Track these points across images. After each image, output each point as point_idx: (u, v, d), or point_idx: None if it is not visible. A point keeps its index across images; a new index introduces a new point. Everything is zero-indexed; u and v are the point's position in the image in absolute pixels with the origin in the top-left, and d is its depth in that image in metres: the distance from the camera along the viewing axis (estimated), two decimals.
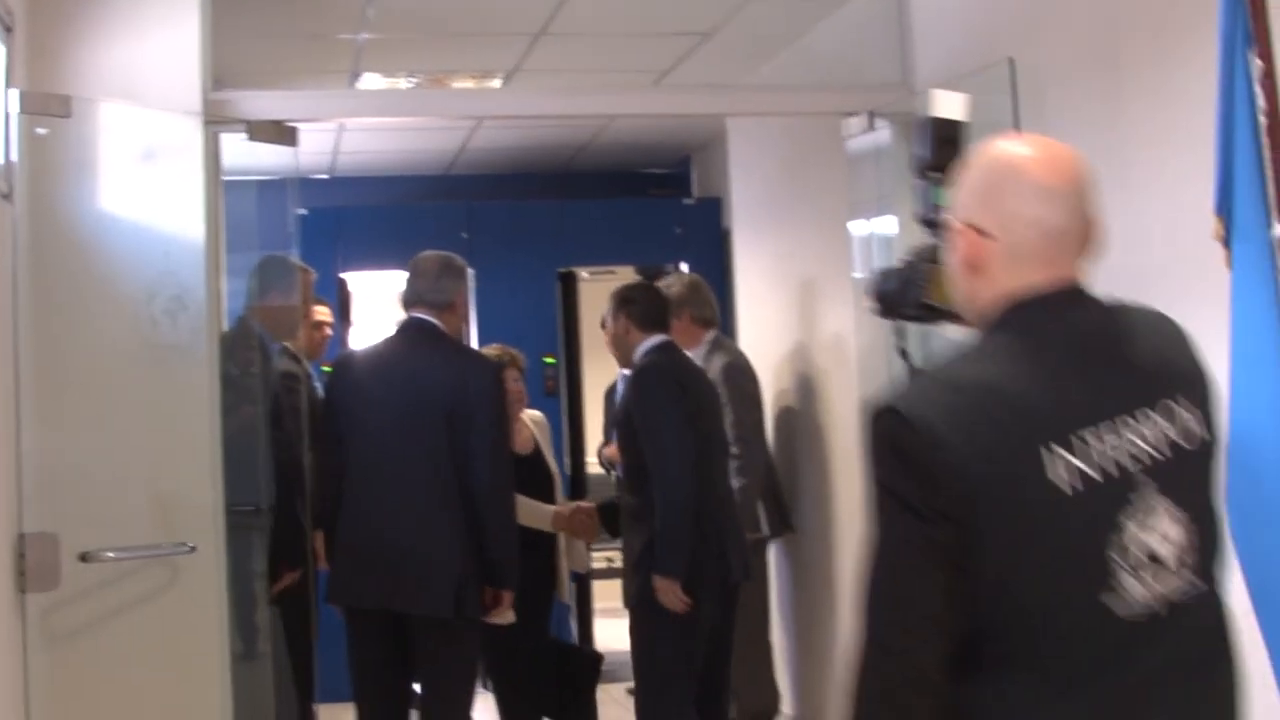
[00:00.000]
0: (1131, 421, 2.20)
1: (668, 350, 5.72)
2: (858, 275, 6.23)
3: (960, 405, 2.18)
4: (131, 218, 4.87)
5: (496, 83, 7.78)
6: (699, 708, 5.62)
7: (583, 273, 10.28)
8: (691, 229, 9.91)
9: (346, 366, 5.52)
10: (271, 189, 6.14)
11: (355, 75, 7.54)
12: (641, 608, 5.59)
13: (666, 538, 5.42)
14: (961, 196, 2.37)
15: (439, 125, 9.11)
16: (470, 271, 9.08)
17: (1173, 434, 2.23)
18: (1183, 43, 4.12)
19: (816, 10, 6.77)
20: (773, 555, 7.21)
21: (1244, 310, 3.40)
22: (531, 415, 6.41)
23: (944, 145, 3.68)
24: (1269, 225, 3.41)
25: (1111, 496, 2.16)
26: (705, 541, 5.48)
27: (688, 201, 10.20)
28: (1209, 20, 3.63)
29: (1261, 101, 3.46)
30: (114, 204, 4.87)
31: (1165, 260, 4.19)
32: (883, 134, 5.89)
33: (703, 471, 5.51)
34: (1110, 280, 4.45)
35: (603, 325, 5.96)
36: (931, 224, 3.57)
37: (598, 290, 10.23)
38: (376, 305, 9.82)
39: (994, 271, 2.30)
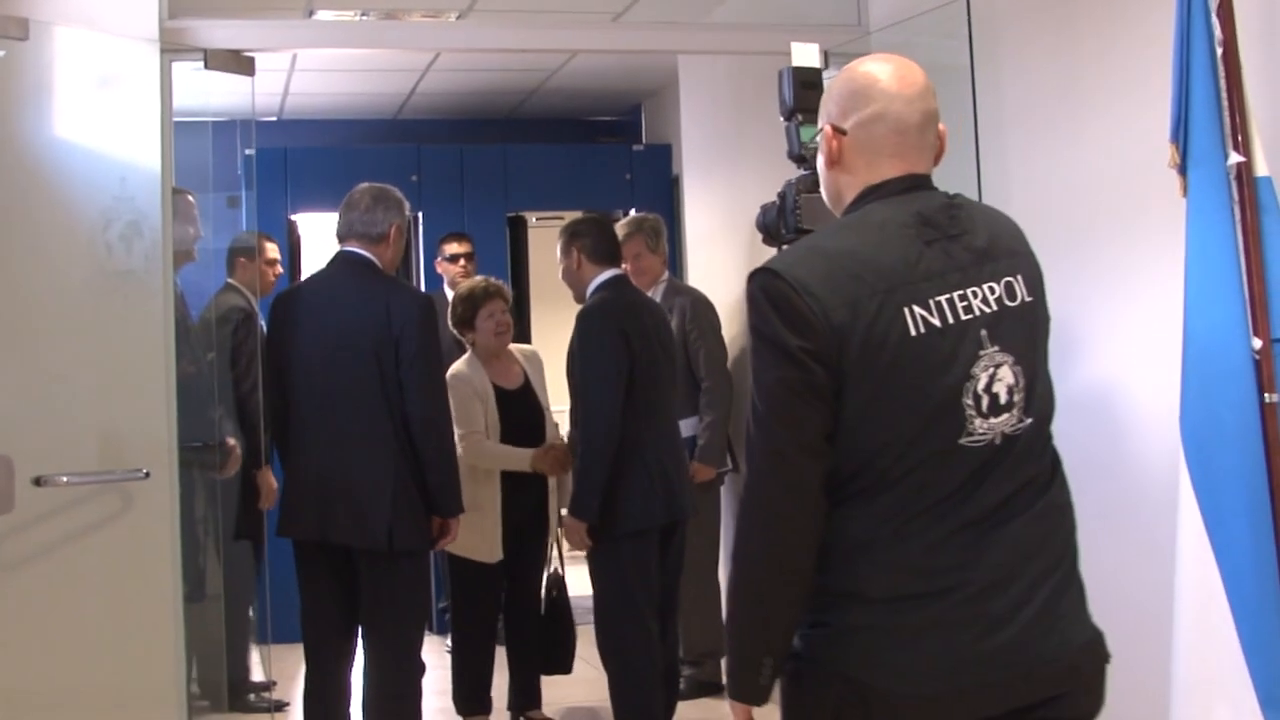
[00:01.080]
0: (971, 285, 2.59)
1: (618, 286, 5.71)
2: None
3: (826, 266, 2.55)
4: (87, 144, 4.84)
5: (452, 19, 7.75)
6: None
7: (531, 218, 10.27)
8: (641, 175, 9.92)
9: (285, 301, 5.46)
10: (222, 130, 6.13)
11: (309, 13, 7.50)
12: (589, 555, 5.70)
13: (580, 481, 5.52)
14: (827, 105, 2.74)
15: (390, 68, 9.09)
16: (419, 214, 9.16)
17: (1003, 295, 2.62)
18: None
19: None
20: (724, 493, 7.24)
21: (1199, 234, 3.47)
22: (522, 349, 6.45)
23: (804, 89, 4.18)
24: (1224, 152, 3.47)
25: (958, 346, 2.54)
26: (648, 479, 5.55)
27: (637, 148, 10.20)
28: None
29: (1218, 32, 3.52)
30: (70, 129, 4.84)
31: (1122, 188, 4.25)
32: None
33: (643, 409, 5.55)
34: (1070, 208, 4.54)
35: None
36: (800, 159, 4.00)
37: (546, 235, 10.22)
38: (326, 247, 9.79)
39: (854, 165, 2.70)
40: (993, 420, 2.55)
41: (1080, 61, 4.47)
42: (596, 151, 10.36)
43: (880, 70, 2.71)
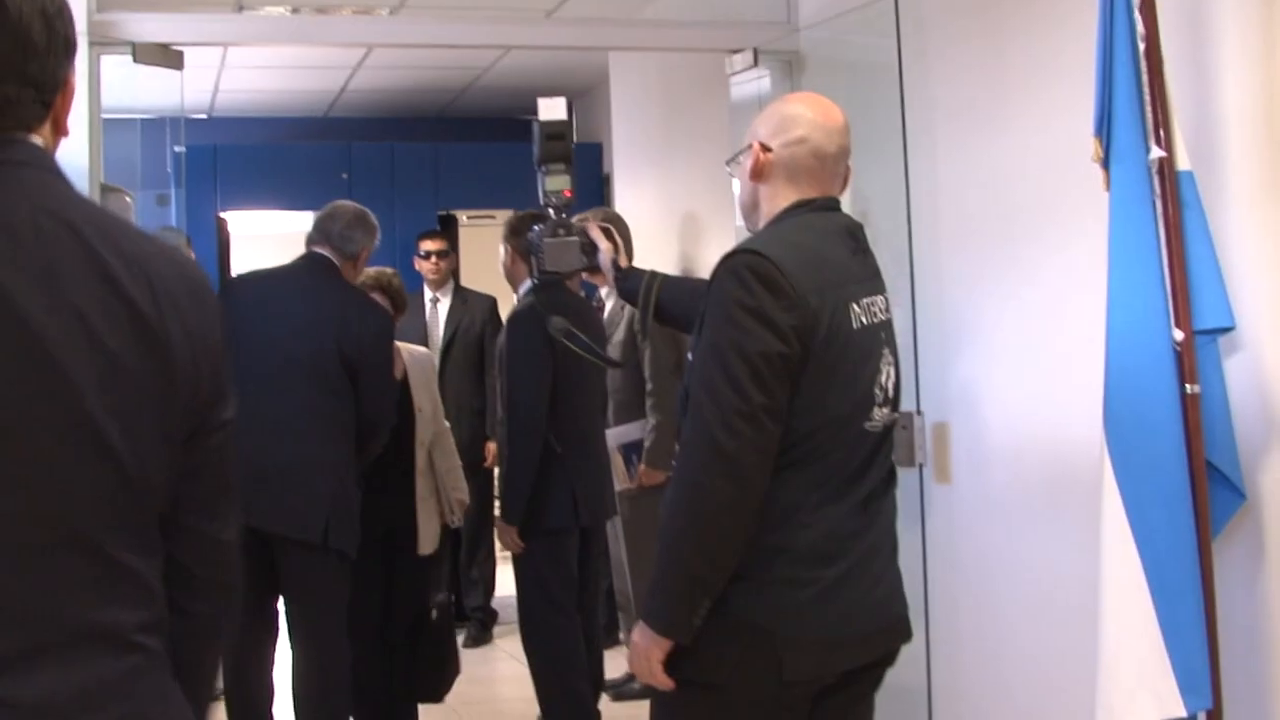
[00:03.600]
0: (875, 295, 3.08)
1: (548, 289, 5.72)
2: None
3: (797, 255, 2.92)
4: None
5: (384, 14, 7.75)
6: None
7: (462, 216, 10.27)
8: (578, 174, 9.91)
9: (242, 285, 5.51)
10: (150, 127, 6.09)
11: (239, 9, 7.47)
12: (514, 556, 5.76)
13: (508, 485, 5.62)
14: (760, 126, 3.16)
15: (321, 64, 9.06)
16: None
17: (884, 307, 3.11)
18: None
19: None
20: None
21: (1122, 228, 3.50)
22: (411, 349, 6.11)
23: (551, 141, 4.31)
24: (1146, 147, 3.51)
25: (873, 343, 3.00)
26: (568, 481, 5.61)
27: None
28: None
29: (1140, 27, 3.55)
30: None
31: (1047, 182, 4.30)
32: (764, 80, 5.95)
33: (565, 412, 5.60)
34: (996, 203, 4.58)
35: None
36: (550, 206, 4.21)
37: (477, 234, 10.23)
38: (255, 244, 9.74)
39: (774, 181, 3.10)
40: (884, 410, 3.03)
41: (1006, 58, 4.51)
42: (526, 150, 10.15)
43: (808, 105, 3.17)
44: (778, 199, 3.11)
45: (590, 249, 4.14)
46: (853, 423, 2.94)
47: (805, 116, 3.12)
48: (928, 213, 4.90)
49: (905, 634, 3.15)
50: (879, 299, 3.09)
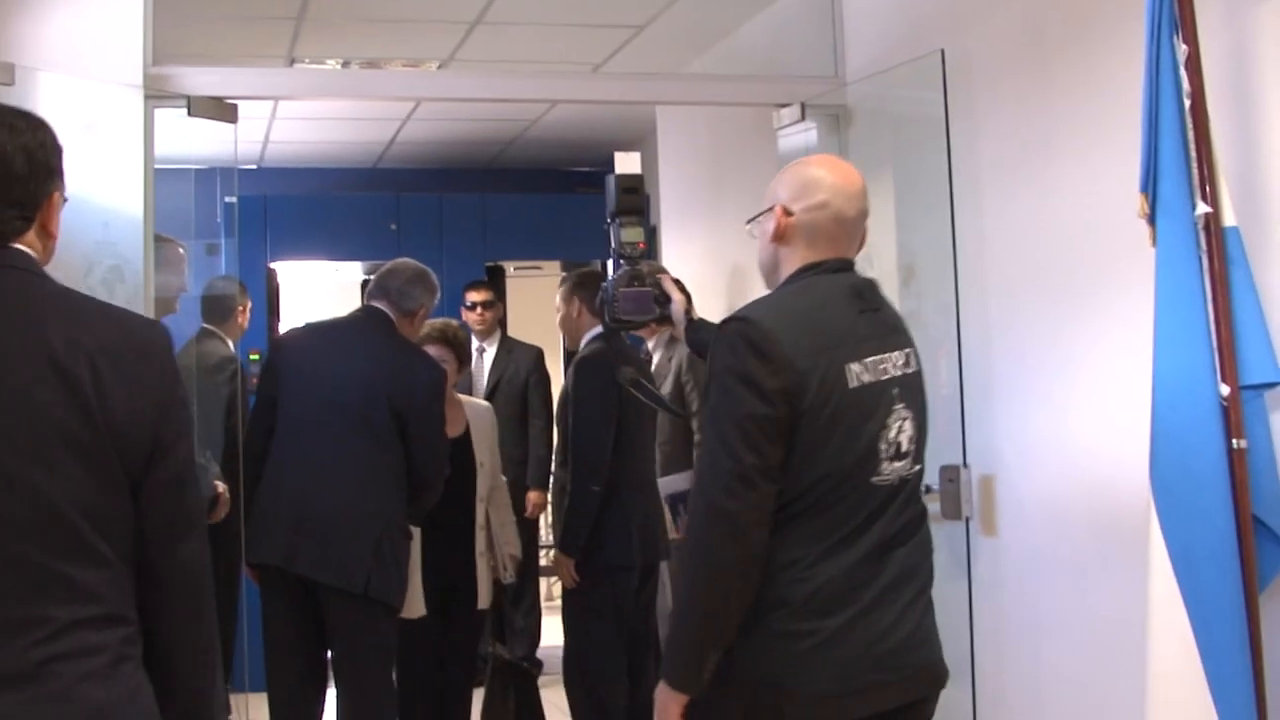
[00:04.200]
0: (888, 351, 3.13)
1: (610, 338, 5.83)
2: None
3: (790, 320, 3.03)
4: (70, 188, 4.84)
5: (433, 68, 7.83)
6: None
7: (509, 267, 10.32)
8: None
9: (297, 338, 5.55)
10: (203, 178, 6.17)
11: (290, 62, 7.56)
12: (567, 593, 5.81)
13: (570, 519, 5.66)
14: (780, 189, 3.22)
15: (370, 116, 9.14)
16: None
17: (904, 363, 3.16)
18: (1109, 31, 4.24)
19: (748, 5, 6.86)
20: None
21: (1168, 284, 3.52)
22: (473, 402, 6.22)
23: (626, 194, 4.47)
24: (1192, 203, 3.53)
25: (879, 401, 3.06)
26: (628, 521, 5.66)
27: None
28: (1135, 8, 3.75)
29: (1186, 85, 3.58)
30: None
31: (1093, 237, 4.31)
32: (811, 133, 5.99)
33: (626, 454, 5.68)
34: (1042, 257, 4.60)
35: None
36: (623, 258, 4.39)
37: (524, 285, 10.29)
38: (305, 295, 9.81)
39: (795, 243, 3.18)
40: (896, 464, 3.09)
41: (1053, 113, 4.54)
42: (574, 201, 10.40)
43: (829, 169, 3.23)
44: (794, 260, 3.20)
45: (663, 300, 4.30)
46: (854, 478, 3.02)
47: (827, 181, 3.19)
48: (974, 266, 4.91)
49: (933, 681, 3.17)
50: (894, 355, 3.15)
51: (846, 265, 3.22)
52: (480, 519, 5.81)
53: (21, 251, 2.44)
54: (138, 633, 2.43)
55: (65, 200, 2.62)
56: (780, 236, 3.20)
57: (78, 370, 2.34)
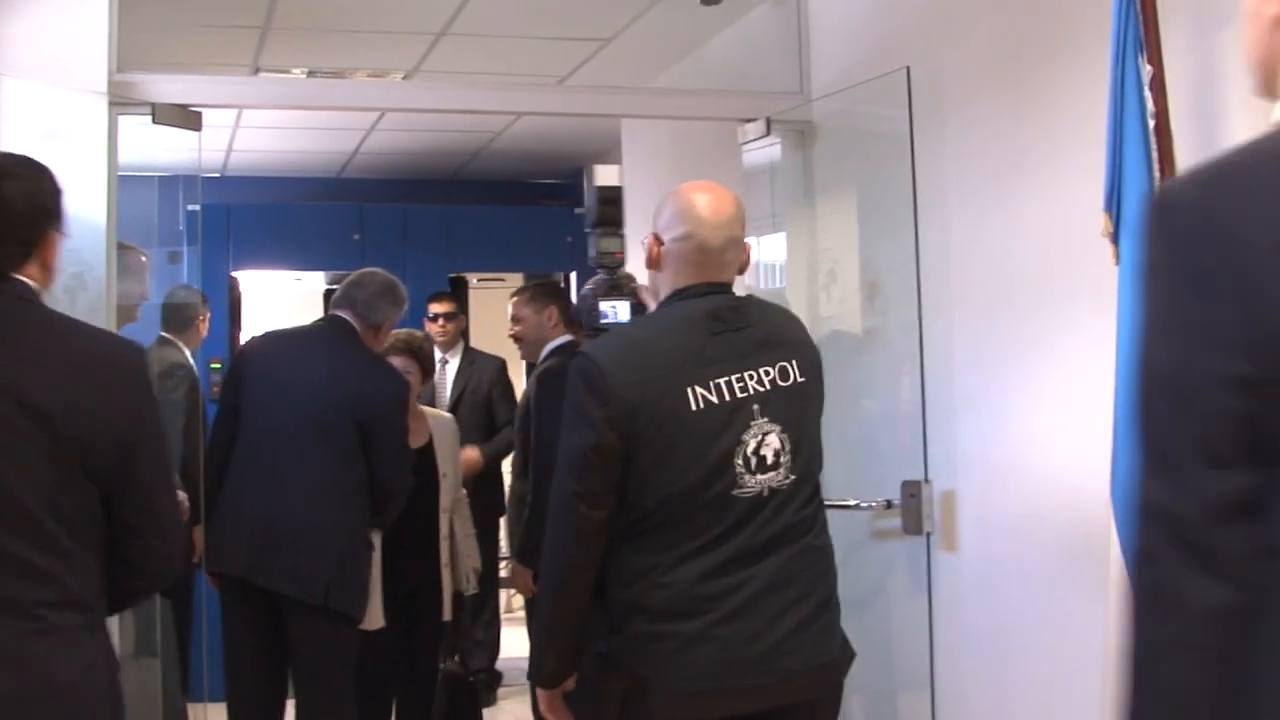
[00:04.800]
0: (748, 369, 3.29)
1: (569, 352, 5.83)
2: (749, 282, 6.35)
3: (624, 353, 3.29)
4: None
5: (398, 79, 7.82)
6: None
7: (473, 279, 10.32)
8: (583, 238, 9.88)
9: (259, 346, 5.51)
10: (166, 185, 6.15)
11: (255, 71, 7.54)
12: (529, 603, 5.76)
13: (530, 530, 5.60)
14: (657, 218, 3.45)
15: (334, 126, 9.12)
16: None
17: (776, 377, 3.32)
18: (1076, 51, 4.26)
19: (715, 20, 6.87)
20: None
21: (1131, 302, 3.53)
22: (436, 414, 6.24)
23: (605, 205, 4.89)
24: None
25: (732, 418, 3.24)
26: None
27: (579, 211, 10.21)
28: (1100, 29, 3.79)
29: (1150, 105, 3.61)
30: None
31: (1057, 256, 4.33)
32: (776, 148, 6.00)
33: None
34: (1006, 275, 4.62)
35: (514, 320, 6.08)
36: (601, 267, 4.70)
37: (487, 296, 10.29)
38: (267, 304, 9.78)
39: (666, 269, 3.41)
40: (760, 476, 3.26)
41: (1019, 132, 4.56)
42: (539, 214, 10.42)
43: (698, 200, 3.42)
44: (667, 286, 3.44)
45: (640, 309, 4.45)
46: (706, 491, 3.22)
47: (692, 213, 3.40)
48: (938, 283, 4.93)
49: (814, 684, 3.32)
50: (758, 371, 3.32)
51: (712, 289, 3.38)
52: (444, 529, 5.80)
53: (20, 281, 2.90)
54: (99, 617, 2.88)
55: (64, 237, 3.04)
56: (654, 263, 3.45)
57: (49, 386, 2.78)
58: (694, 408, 3.22)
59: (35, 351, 2.83)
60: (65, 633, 2.76)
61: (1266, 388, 1.68)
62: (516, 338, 6.17)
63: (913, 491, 4.92)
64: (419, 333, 6.08)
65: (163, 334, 6.76)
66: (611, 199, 4.52)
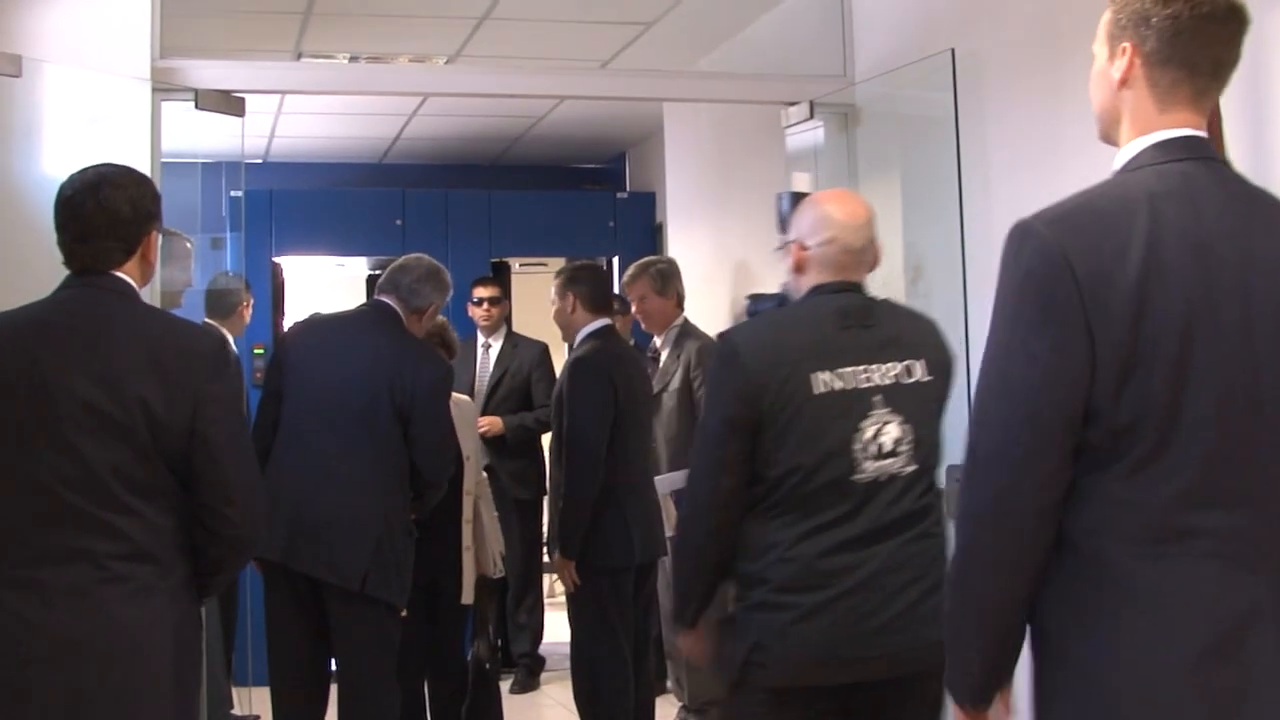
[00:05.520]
0: (870, 363, 3.53)
1: (605, 337, 5.83)
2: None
3: (759, 337, 3.64)
4: None
5: (440, 63, 7.83)
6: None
7: (515, 263, 10.31)
8: (624, 222, 9.97)
9: (302, 331, 5.50)
10: (209, 171, 6.16)
11: (297, 56, 7.56)
12: (569, 595, 5.83)
13: (565, 521, 5.65)
14: (797, 226, 3.73)
15: (376, 111, 9.13)
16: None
17: (899, 373, 3.56)
18: None
19: (758, 3, 6.85)
20: None
21: None
22: (456, 398, 6.15)
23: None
24: None
25: (852, 406, 3.48)
26: (625, 521, 5.67)
27: (621, 195, 10.24)
28: None
29: None
30: (61, 167, 4.83)
31: None
32: (819, 131, 5.98)
33: (621, 455, 5.68)
34: None
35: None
36: None
37: (529, 281, 10.28)
38: (309, 290, 9.80)
39: (809, 272, 3.67)
40: (879, 463, 3.49)
41: (1063, 113, 4.52)
42: (581, 198, 10.40)
43: (837, 206, 3.72)
44: (808, 284, 3.69)
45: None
46: (825, 472, 3.47)
47: (833, 219, 3.67)
48: (983, 266, 4.89)
49: (923, 661, 3.42)
50: (885, 366, 3.56)
51: (847, 287, 3.65)
52: (468, 512, 5.79)
53: (117, 277, 3.35)
54: (170, 570, 3.28)
55: (163, 234, 3.51)
56: (798, 268, 3.70)
57: (126, 371, 3.22)
58: (816, 392, 3.47)
59: (119, 341, 3.27)
60: (132, 582, 3.20)
61: (1096, 392, 2.26)
62: (556, 322, 6.17)
63: (958, 476, 4.89)
64: (440, 317, 6.03)
65: (207, 320, 6.79)
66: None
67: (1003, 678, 2.48)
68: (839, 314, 3.59)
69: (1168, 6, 2.39)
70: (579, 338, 5.84)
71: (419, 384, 5.15)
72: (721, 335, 3.74)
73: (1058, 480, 2.31)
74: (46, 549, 3.19)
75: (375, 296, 5.43)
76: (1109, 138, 2.52)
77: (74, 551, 3.18)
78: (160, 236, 3.49)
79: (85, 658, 3.17)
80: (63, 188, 3.39)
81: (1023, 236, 2.39)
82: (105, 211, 3.33)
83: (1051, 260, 2.30)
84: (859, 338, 3.57)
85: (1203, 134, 2.43)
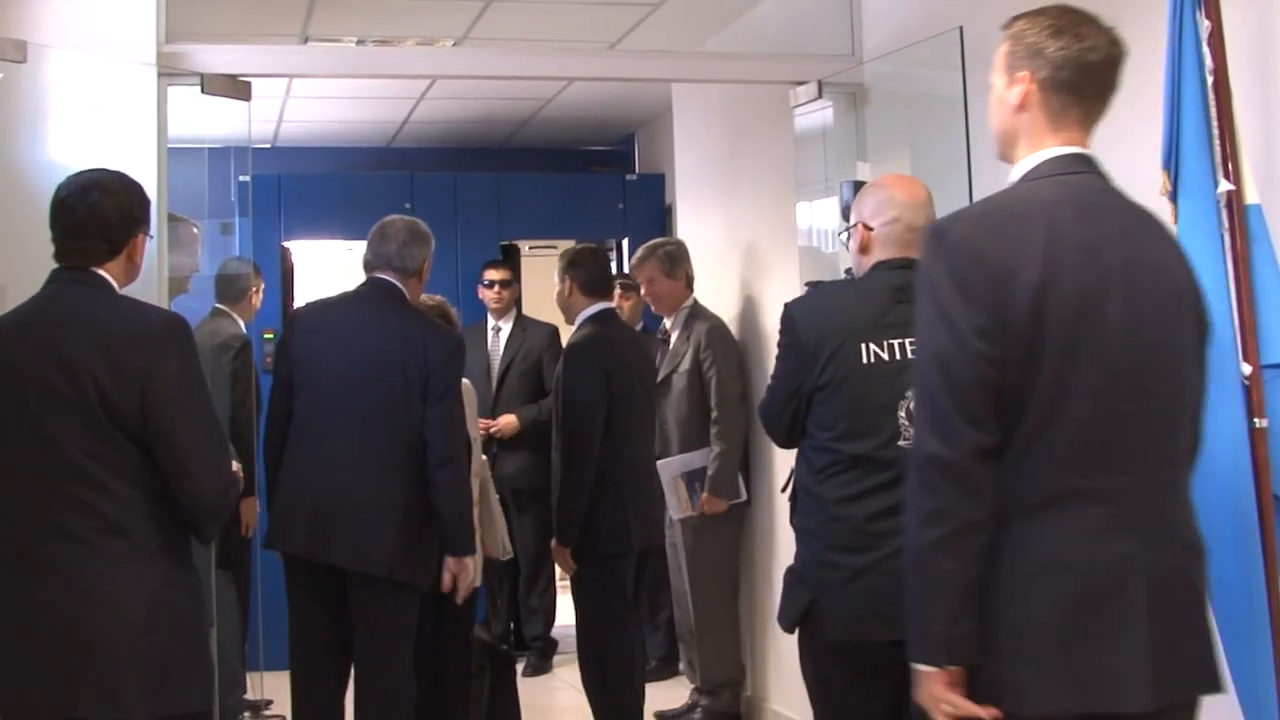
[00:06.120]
0: (912, 337, 3.48)
1: (602, 321, 5.86)
2: (802, 246, 6.34)
3: (816, 307, 4.03)
4: (84, 167, 4.82)
5: (447, 46, 7.80)
6: None
7: (524, 246, 10.30)
8: (634, 204, 9.95)
9: (308, 315, 5.45)
10: (216, 157, 6.15)
11: (304, 40, 7.53)
12: (571, 580, 5.89)
13: (561, 509, 5.72)
14: (860, 208, 4.01)
15: (384, 95, 9.11)
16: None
17: None
18: (1131, 8, 4.18)
19: None
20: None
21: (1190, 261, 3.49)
22: None
23: None
24: (1214, 180, 3.50)
25: (899, 375, 3.70)
26: (623, 506, 5.71)
27: (630, 177, 10.21)
28: None
29: (1209, 61, 3.55)
30: (66, 152, 4.86)
31: None
32: (827, 111, 5.96)
33: (618, 441, 5.71)
34: None
35: None
36: None
37: (539, 264, 10.26)
38: (319, 274, 9.78)
39: (873, 250, 3.95)
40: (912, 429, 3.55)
41: None
42: (590, 181, 10.38)
43: (899, 188, 4.01)
44: (871, 261, 3.96)
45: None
46: (873, 438, 3.76)
47: (897, 199, 3.95)
48: None
49: None
50: None
51: (905, 264, 3.82)
52: (475, 494, 5.76)
53: (96, 273, 3.63)
54: (144, 539, 3.52)
55: (150, 236, 3.80)
56: (864, 249, 3.98)
57: (84, 355, 3.49)
58: (864, 361, 3.78)
59: (78, 326, 3.55)
60: (107, 554, 3.48)
61: (1007, 366, 2.63)
62: (557, 304, 6.17)
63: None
64: (438, 296, 6.00)
65: (217, 305, 6.80)
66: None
67: (969, 633, 2.66)
68: (895, 289, 3.81)
69: (1058, 39, 2.89)
70: (577, 321, 5.86)
71: (435, 357, 5.10)
72: (786, 305, 4.02)
73: (984, 438, 2.65)
74: (32, 528, 3.50)
75: (371, 274, 5.35)
76: (1006, 156, 2.99)
77: (55, 529, 3.47)
78: (146, 239, 3.78)
79: (64, 627, 3.44)
80: (59, 189, 3.69)
81: (943, 234, 2.78)
82: (94, 214, 3.63)
83: (969, 254, 2.69)
84: (910, 312, 3.49)
85: (1089, 151, 2.91)
